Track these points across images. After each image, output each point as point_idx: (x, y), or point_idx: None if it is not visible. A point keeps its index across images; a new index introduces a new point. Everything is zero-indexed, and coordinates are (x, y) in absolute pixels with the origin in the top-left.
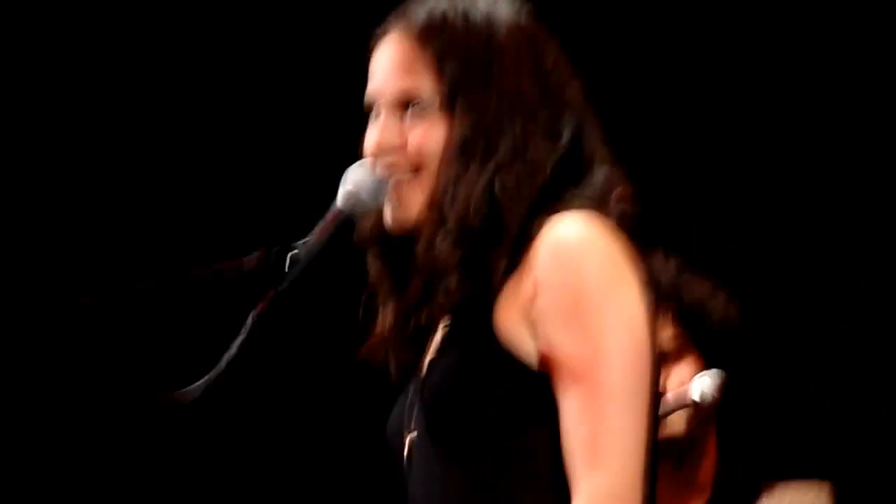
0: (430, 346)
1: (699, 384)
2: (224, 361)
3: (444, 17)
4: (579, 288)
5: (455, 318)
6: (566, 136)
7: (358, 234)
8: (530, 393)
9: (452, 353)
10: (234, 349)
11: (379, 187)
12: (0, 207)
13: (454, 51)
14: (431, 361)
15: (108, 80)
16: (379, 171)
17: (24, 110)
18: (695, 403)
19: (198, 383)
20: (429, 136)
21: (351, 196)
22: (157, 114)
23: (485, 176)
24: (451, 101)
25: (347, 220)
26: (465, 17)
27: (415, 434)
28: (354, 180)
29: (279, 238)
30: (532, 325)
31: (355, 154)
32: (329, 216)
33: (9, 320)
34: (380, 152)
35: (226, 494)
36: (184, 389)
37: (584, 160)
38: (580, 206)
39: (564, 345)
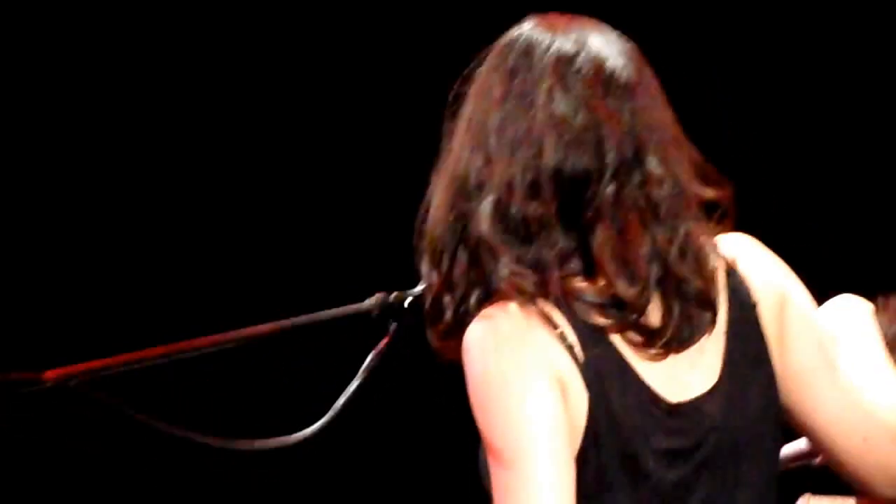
0: None
1: None
2: (342, 402)
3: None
4: (471, 386)
5: None
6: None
7: None
8: None
9: None
10: (352, 390)
11: None
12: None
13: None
14: None
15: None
16: None
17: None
18: None
19: (316, 424)
20: None
21: None
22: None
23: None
24: None
25: None
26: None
27: None
28: None
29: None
30: None
31: None
32: None
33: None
34: None
35: None
36: (301, 432)
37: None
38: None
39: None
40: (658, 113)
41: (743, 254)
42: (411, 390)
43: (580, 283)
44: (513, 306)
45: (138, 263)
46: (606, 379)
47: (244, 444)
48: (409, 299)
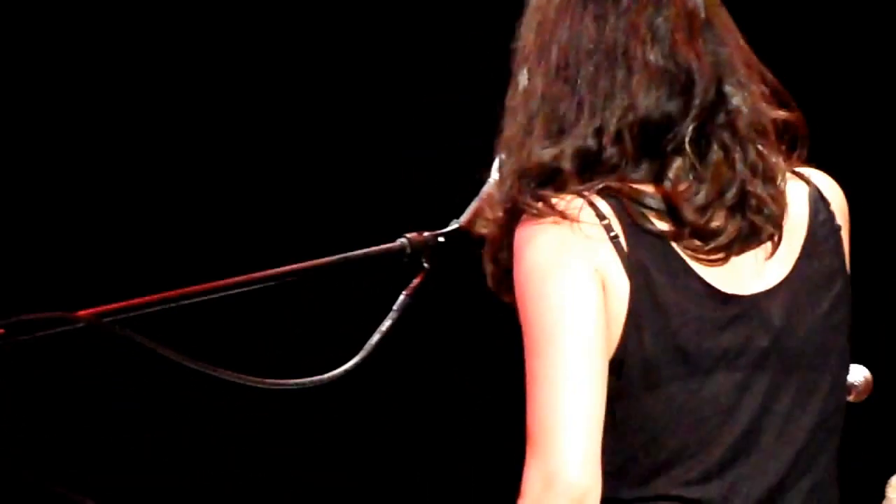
0: None
1: None
2: (374, 342)
3: None
4: (515, 276)
5: None
6: (592, 126)
7: None
8: None
9: None
10: (384, 329)
11: None
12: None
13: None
14: None
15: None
16: None
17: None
18: None
19: (348, 364)
20: None
21: None
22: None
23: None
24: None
25: None
26: None
27: None
28: None
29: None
30: None
31: None
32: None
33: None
34: None
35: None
36: (335, 371)
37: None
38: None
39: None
40: (733, 42)
41: (827, 184)
42: (443, 329)
43: (641, 188)
44: (561, 200)
45: (171, 204)
46: (652, 268)
47: (277, 384)
48: (442, 239)
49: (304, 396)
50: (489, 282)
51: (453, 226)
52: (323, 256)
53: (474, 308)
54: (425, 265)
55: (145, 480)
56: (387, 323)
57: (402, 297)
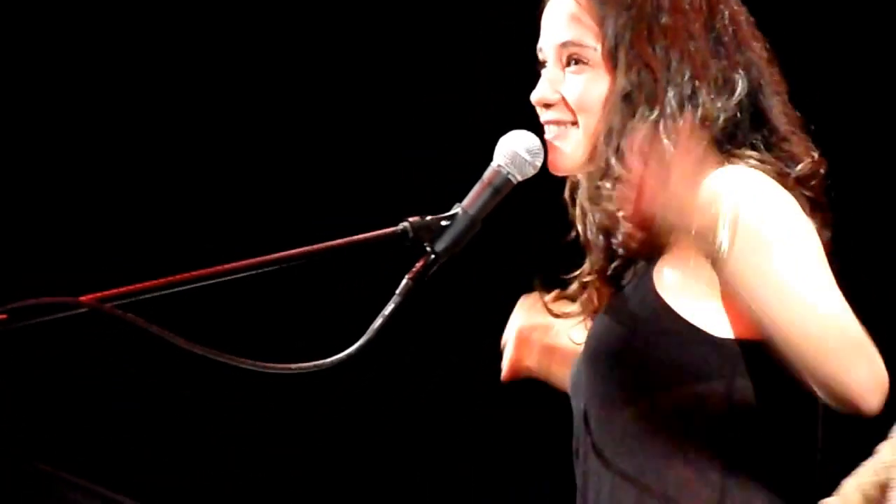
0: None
1: None
2: (377, 325)
3: None
4: (752, 220)
5: (625, 274)
6: (740, 92)
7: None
8: (693, 352)
9: (615, 308)
10: (387, 313)
11: (536, 147)
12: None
13: (620, 2)
14: (600, 315)
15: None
16: (543, 120)
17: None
18: None
19: (351, 348)
20: (589, 88)
21: (510, 155)
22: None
23: (650, 125)
24: (614, 52)
25: (505, 181)
26: None
27: (585, 400)
28: (514, 140)
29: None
30: (709, 276)
31: None
32: (486, 177)
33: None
34: (543, 104)
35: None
36: (338, 355)
37: (761, 120)
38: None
39: (746, 270)
40: None
41: None
42: (443, 314)
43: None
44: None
45: (174, 191)
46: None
47: (278, 368)
48: (444, 223)
49: (306, 381)
50: (624, 238)
51: (455, 209)
52: (328, 239)
53: (475, 290)
54: (427, 249)
55: (146, 465)
56: (390, 306)
57: (404, 281)
